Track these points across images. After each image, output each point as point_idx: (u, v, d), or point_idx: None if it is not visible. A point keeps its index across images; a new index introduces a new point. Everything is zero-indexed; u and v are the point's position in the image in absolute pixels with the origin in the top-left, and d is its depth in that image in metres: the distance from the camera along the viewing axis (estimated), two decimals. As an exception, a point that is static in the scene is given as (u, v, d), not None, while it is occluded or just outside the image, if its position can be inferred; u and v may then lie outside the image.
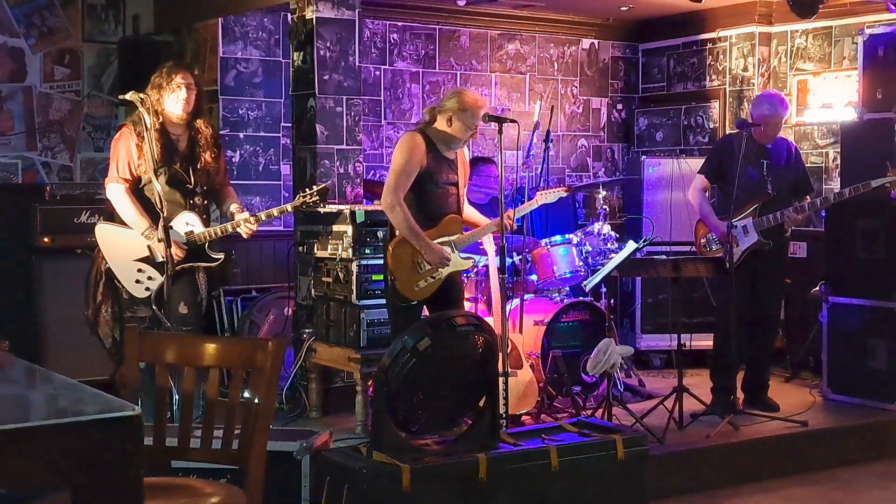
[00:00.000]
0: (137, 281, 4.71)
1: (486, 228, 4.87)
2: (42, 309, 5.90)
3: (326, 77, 5.61)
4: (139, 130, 4.58)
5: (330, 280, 5.38)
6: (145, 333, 2.99)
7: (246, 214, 4.80)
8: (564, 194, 5.25)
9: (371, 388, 5.01)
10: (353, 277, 5.21)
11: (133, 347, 2.89)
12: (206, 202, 4.86)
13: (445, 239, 4.72)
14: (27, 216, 5.94)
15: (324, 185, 5.09)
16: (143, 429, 2.15)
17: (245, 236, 4.82)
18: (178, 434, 2.89)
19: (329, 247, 5.38)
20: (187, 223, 4.72)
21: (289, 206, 4.92)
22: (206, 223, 4.80)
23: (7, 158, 6.39)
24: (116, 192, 4.71)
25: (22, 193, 6.22)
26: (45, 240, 5.89)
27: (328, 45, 5.60)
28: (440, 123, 4.69)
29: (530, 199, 5.26)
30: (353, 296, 5.22)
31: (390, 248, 4.67)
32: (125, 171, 4.69)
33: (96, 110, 6.64)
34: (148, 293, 4.70)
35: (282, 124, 6.70)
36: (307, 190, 4.90)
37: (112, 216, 4.79)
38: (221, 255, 4.85)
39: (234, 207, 4.89)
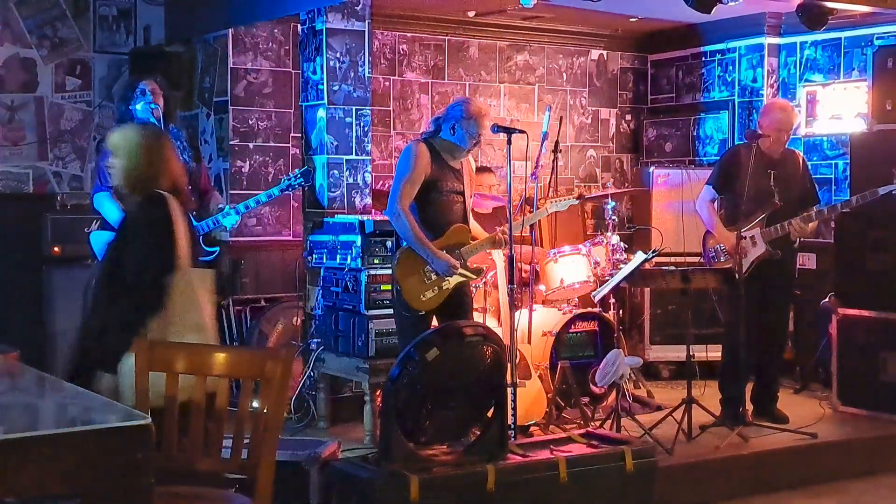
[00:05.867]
0: None
1: (484, 242, 4.83)
2: (52, 318, 5.92)
3: (336, 87, 5.63)
4: None
5: (339, 290, 5.39)
6: (155, 343, 3.00)
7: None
8: (575, 202, 5.22)
9: (379, 398, 5.00)
10: (362, 287, 5.22)
11: (143, 357, 2.90)
12: (193, 199, 4.93)
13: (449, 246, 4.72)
14: (38, 226, 5.98)
15: (306, 167, 5.43)
16: (153, 437, 2.15)
17: (233, 225, 4.99)
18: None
19: (338, 257, 5.40)
20: None
21: (276, 190, 5.11)
22: (198, 220, 4.91)
23: (18, 168, 6.42)
24: (103, 199, 4.82)
25: (33, 203, 6.25)
26: (56, 249, 5.93)
27: (338, 55, 5.62)
28: (444, 133, 4.71)
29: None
30: (362, 305, 5.23)
31: (397, 258, 4.68)
32: (107, 180, 4.77)
33: (107, 120, 6.66)
34: None
35: (291, 134, 6.72)
36: (290, 174, 5.16)
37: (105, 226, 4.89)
38: (217, 248, 4.97)
39: (220, 204, 5.05)
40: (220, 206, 5.03)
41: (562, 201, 5.14)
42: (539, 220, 5.94)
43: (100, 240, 4.88)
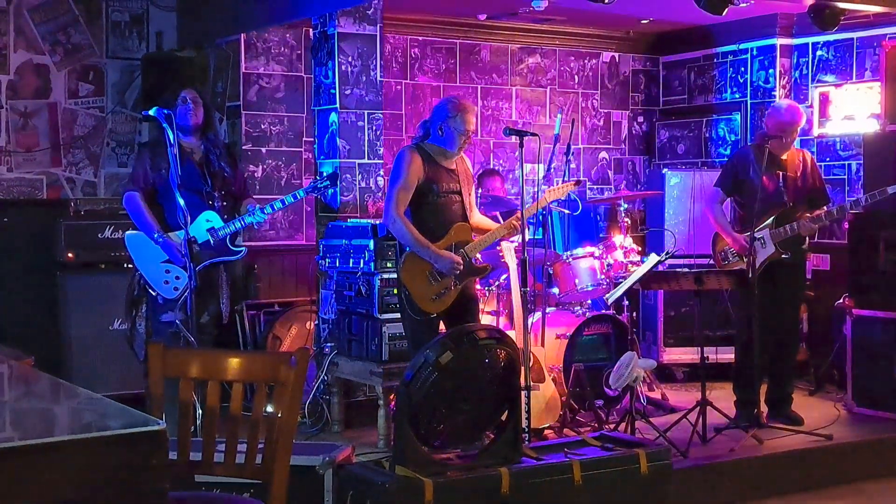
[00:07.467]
0: (166, 282, 4.88)
1: (496, 232, 4.83)
2: (66, 324, 5.94)
3: (348, 92, 5.64)
4: (151, 146, 5.07)
5: (352, 294, 5.39)
6: (169, 348, 3.01)
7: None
8: (574, 188, 5.16)
9: (393, 402, 5.01)
10: (375, 291, 5.23)
11: (157, 362, 2.91)
12: (225, 204, 5.03)
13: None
14: (51, 231, 6.00)
15: (333, 170, 5.52)
16: (168, 443, 2.16)
17: (261, 221, 5.06)
18: (201, 448, 2.90)
19: (351, 260, 5.41)
20: (208, 220, 4.91)
21: (301, 192, 5.20)
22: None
23: (32, 174, 6.45)
24: (130, 199, 4.97)
25: (46, 209, 6.28)
26: (69, 255, 5.95)
27: (350, 60, 5.63)
28: (433, 135, 4.74)
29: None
30: (375, 309, 5.23)
31: (402, 262, 4.69)
32: (139, 181, 4.97)
33: (120, 126, 6.70)
34: (177, 292, 4.84)
35: (304, 139, 6.74)
36: (317, 177, 5.20)
37: None
38: (244, 248, 5.04)
39: (250, 206, 5.10)
40: (249, 207, 5.07)
41: (561, 189, 5.08)
42: (551, 223, 5.93)
43: (134, 241, 4.94)
